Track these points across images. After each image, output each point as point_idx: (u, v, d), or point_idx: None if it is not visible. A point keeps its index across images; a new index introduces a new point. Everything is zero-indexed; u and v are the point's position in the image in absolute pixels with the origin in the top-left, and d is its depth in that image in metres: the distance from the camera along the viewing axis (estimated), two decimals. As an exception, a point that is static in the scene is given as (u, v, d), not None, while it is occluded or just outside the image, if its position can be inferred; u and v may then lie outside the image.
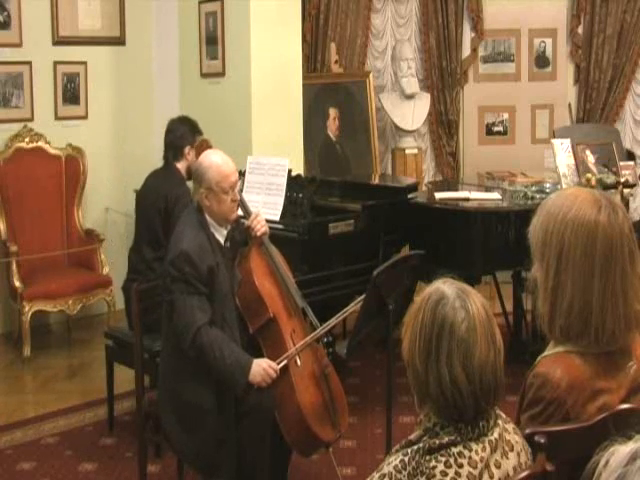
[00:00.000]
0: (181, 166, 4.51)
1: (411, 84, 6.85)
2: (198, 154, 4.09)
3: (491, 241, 4.66)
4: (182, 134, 4.53)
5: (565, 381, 1.86)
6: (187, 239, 3.20)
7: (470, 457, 1.68)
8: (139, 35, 6.42)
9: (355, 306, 3.26)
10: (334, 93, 6.72)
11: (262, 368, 3.16)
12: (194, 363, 3.16)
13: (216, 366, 3.12)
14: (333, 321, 3.33)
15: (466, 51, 7.15)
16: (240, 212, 3.47)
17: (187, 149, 4.50)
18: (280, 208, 4.35)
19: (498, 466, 1.71)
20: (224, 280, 3.26)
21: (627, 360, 1.94)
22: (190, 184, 4.51)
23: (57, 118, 6.08)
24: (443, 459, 1.67)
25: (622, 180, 4.52)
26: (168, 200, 4.33)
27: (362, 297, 3.20)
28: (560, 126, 6.29)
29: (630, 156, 5.53)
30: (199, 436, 3.17)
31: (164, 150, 4.59)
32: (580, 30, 7.12)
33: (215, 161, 3.27)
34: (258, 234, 3.45)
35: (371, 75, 6.88)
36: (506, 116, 7.18)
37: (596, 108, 7.11)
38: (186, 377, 3.19)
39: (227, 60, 5.85)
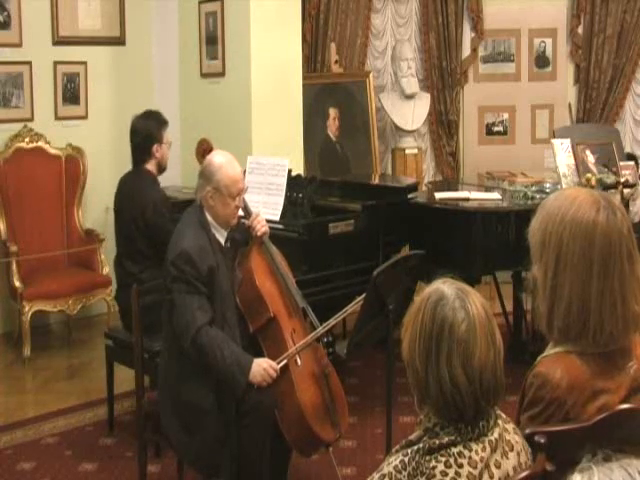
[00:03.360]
0: (151, 166, 4.32)
1: (411, 84, 6.85)
2: (199, 154, 4.09)
3: (491, 241, 4.65)
4: (147, 133, 4.30)
5: (565, 381, 1.86)
6: (187, 239, 3.20)
7: (470, 457, 1.68)
8: (139, 35, 6.42)
9: (355, 306, 3.26)
10: (334, 93, 6.72)
11: (262, 368, 3.16)
12: (194, 363, 3.16)
13: (216, 366, 3.12)
14: (333, 321, 3.33)
15: (466, 51, 7.15)
16: (241, 212, 3.47)
17: (155, 147, 4.30)
18: (280, 208, 4.35)
19: (498, 466, 1.71)
20: (224, 280, 3.26)
21: (627, 360, 1.94)
22: (162, 183, 4.43)
23: (57, 118, 6.07)
24: (443, 459, 1.67)
25: (622, 180, 4.52)
26: (143, 208, 4.16)
27: (362, 297, 3.20)
28: (560, 126, 6.29)
29: (630, 159, 5.53)
30: (199, 436, 3.17)
31: (132, 153, 4.38)
32: (580, 30, 7.13)
33: (226, 164, 3.27)
34: (258, 234, 3.46)
35: (371, 75, 6.88)
36: (506, 116, 7.18)
37: (596, 108, 7.12)
38: (186, 377, 3.19)
39: (227, 60, 5.85)
